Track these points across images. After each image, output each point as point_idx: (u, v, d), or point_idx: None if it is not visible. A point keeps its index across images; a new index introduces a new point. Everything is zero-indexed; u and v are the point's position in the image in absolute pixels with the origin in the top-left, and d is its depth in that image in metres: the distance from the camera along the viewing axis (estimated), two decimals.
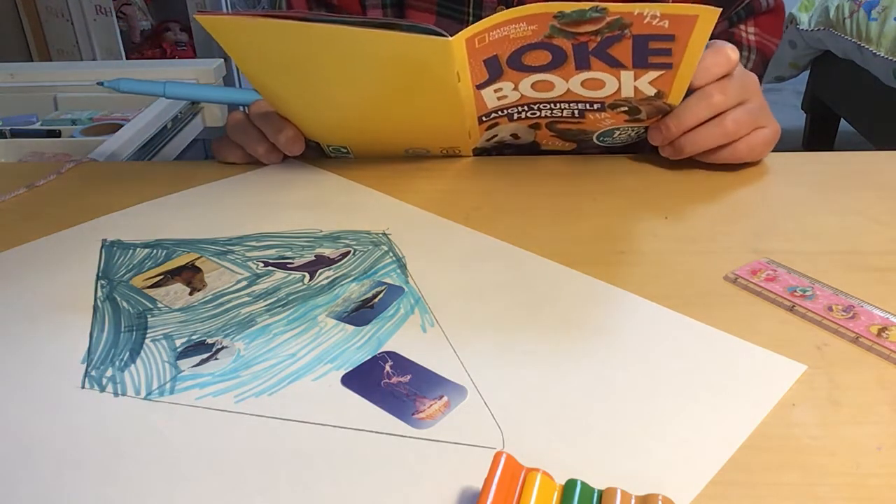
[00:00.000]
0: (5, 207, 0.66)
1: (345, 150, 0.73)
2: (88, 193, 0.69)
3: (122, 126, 1.29)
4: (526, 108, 0.67)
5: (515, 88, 0.63)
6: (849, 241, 0.56)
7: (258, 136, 0.72)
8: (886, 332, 0.45)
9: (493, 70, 0.61)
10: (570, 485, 0.33)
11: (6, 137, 1.30)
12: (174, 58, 2.51)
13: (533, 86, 0.63)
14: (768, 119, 0.67)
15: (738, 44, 0.81)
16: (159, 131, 1.35)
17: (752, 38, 0.81)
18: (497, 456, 0.34)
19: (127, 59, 2.13)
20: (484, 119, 0.68)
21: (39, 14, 2.04)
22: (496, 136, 0.72)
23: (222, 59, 1.55)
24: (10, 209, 0.66)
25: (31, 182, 0.70)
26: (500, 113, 0.67)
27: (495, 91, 0.64)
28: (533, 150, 0.75)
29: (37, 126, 1.36)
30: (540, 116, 0.68)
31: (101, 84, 0.75)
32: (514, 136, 0.72)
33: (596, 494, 0.33)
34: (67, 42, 2.04)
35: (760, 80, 0.74)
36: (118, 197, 0.66)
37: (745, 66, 0.80)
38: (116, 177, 0.73)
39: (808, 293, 0.49)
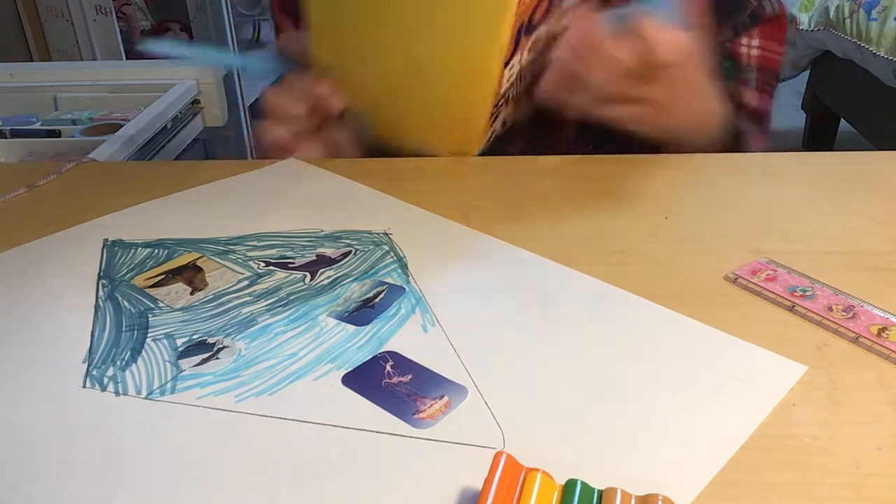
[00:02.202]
0: (5, 207, 0.66)
1: (365, 120, 0.73)
2: (88, 193, 0.69)
3: (122, 126, 1.29)
4: (517, 80, 0.68)
5: (519, 60, 0.65)
6: (849, 241, 0.56)
7: (299, 97, 0.70)
8: (886, 332, 0.45)
9: (515, 42, 0.62)
10: (570, 485, 0.33)
11: (6, 137, 1.30)
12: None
13: (529, 50, 0.64)
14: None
15: (737, 61, 0.80)
16: (159, 131, 1.35)
17: (754, 52, 0.80)
18: (497, 456, 0.34)
19: (127, 59, 2.12)
20: (492, 110, 0.68)
21: (39, 14, 2.03)
22: (494, 131, 0.72)
23: None
24: (10, 209, 0.66)
25: (32, 182, 0.70)
26: (503, 99, 0.68)
27: (508, 70, 0.65)
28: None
29: (37, 126, 1.36)
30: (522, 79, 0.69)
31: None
32: (503, 122, 0.73)
33: (596, 494, 0.33)
34: (67, 42, 2.03)
35: (770, 95, 0.74)
36: (118, 197, 0.66)
37: (749, 87, 0.79)
38: (116, 177, 0.73)
39: (808, 293, 0.49)
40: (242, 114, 1.96)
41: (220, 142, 1.68)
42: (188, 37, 2.54)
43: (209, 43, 2.06)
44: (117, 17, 2.13)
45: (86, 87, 1.49)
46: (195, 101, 1.50)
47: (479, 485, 0.34)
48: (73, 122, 1.36)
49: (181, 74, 1.51)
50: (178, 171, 0.74)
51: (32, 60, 2.03)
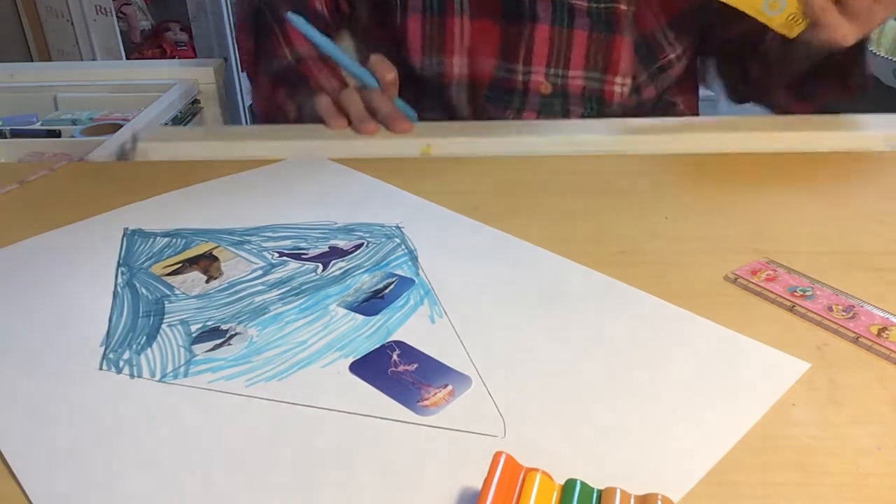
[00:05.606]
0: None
1: None
2: (86, 193, 0.69)
3: (122, 126, 1.29)
4: None
5: None
6: (849, 241, 0.56)
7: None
8: (886, 332, 0.45)
9: None
10: (569, 485, 0.33)
11: (6, 137, 1.30)
12: (174, 58, 2.51)
13: None
14: None
15: None
16: None
17: None
18: (496, 456, 0.33)
19: (127, 58, 2.13)
20: None
21: (39, 14, 2.04)
22: None
23: (223, 59, 1.56)
24: (3, 207, 0.66)
25: (23, 178, 0.70)
26: None
27: None
28: None
29: (37, 126, 1.36)
30: None
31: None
32: None
33: (595, 494, 0.33)
34: (67, 42, 2.04)
35: None
36: (117, 197, 0.66)
37: None
38: (115, 176, 0.73)
39: (808, 293, 0.49)
40: (242, 114, 1.96)
41: None
42: (188, 37, 2.54)
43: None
44: (117, 17, 2.14)
45: (86, 87, 1.49)
46: (195, 101, 1.50)
47: (478, 484, 0.34)
48: (73, 122, 1.36)
49: (181, 74, 1.51)
50: (177, 171, 0.74)
51: (32, 60, 2.03)
